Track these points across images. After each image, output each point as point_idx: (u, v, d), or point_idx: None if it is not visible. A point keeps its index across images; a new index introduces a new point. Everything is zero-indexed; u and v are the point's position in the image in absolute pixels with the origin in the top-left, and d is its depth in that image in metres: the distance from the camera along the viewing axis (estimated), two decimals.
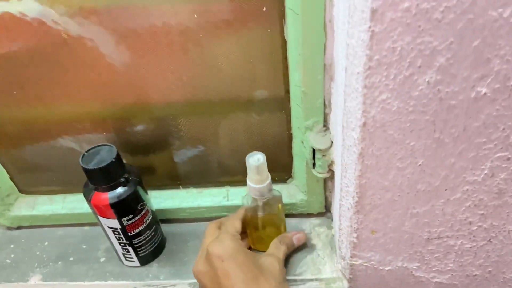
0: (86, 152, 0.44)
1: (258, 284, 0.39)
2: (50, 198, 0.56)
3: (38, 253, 0.54)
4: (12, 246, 0.56)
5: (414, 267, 0.44)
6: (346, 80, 0.34)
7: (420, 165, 0.35)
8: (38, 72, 0.46)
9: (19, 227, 0.58)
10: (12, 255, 0.54)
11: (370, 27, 0.28)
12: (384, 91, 0.32)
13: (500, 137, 0.33)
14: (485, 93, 0.30)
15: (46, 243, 0.55)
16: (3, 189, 0.54)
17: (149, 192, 0.49)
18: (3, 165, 0.53)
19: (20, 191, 0.57)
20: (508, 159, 0.34)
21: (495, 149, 0.33)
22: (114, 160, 0.43)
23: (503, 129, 0.32)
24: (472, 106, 0.31)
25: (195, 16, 0.40)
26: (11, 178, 0.55)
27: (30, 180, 0.56)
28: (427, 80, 0.30)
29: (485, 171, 0.35)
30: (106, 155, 0.43)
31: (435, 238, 0.41)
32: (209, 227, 0.47)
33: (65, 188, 0.56)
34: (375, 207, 0.39)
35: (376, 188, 0.38)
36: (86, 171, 0.43)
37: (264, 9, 0.40)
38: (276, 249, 0.47)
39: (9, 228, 0.58)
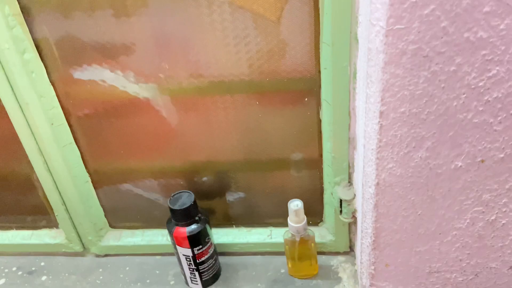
0: (172, 196, 0.59)
1: None
2: (132, 232, 0.72)
3: (121, 276, 0.69)
4: (100, 270, 0.71)
5: None
6: (364, 153, 0.48)
7: (419, 214, 0.49)
8: (133, 137, 0.63)
9: (106, 255, 0.73)
10: (101, 277, 0.69)
11: (379, 121, 0.43)
12: (390, 162, 0.46)
13: (475, 196, 0.46)
14: (461, 166, 0.44)
15: (127, 268, 0.70)
16: (98, 224, 0.70)
17: None
18: (101, 206, 0.70)
19: (110, 226, 0.73)
20: (483, 212, 0.47)
21: (473, 205, 0.47)
22: (192, 203, 0.58)
23: (477, 190, 0.46)
24: (453, 174, 0.45)
25: (257, 103, 0.57)
26: (105, 216, 0.71)
27: (118, 217, 0.72)
28: (419, 156, 0.45)
29: (467, 220, 0.48)
30: (186, 199, 0.59)
31: (435, 272, 0.53)
32: None
33: (145, 224, 0.72)
34: (388, 245, 0.52)
35: (388, 230, 0.51)
36: (172, 210, 0.58)
37: (306, 99, 0.56)
38: None
39: (97, 256, 0.73)
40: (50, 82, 0.59)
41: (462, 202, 0.47)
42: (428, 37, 0.38)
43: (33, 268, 0.72)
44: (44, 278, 0.71)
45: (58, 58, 0.57)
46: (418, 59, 0.39)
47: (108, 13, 0.52)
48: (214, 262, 0.64)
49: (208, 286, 0.65)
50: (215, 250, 0.64)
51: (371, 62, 0.42)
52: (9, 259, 0.75)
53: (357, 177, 0.56)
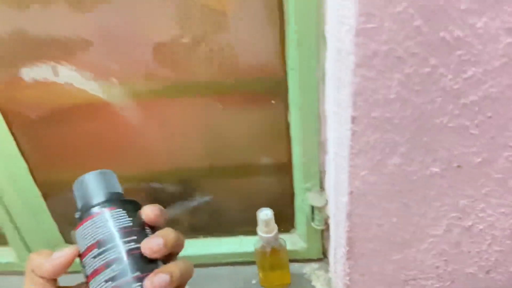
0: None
1: None
2: None
3: None
4: None
5: None
6: (336, 161, 0.45)
7: (394, 222, 0.46)
8: (88, 144, 0.58)
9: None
10: None
11: (351, 127, 0.40)
12: (364, 169, 0.43)
13: (451, 202, 0.44)
14: (436, 172, 0.42)
15: None
16: (52, 240, 0.64)
17: None
18: (54, 220, 0.64)
19: (66, 241, 0.67)
20: (459, 218, 0.45)
21: (449, 211, 0.45)
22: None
23: (453, 196, 0.43)
24: (428, 180, 0.43)
25: (220, 105, 0.53)
26: (59, 230, 0.65)
27: None
28: (393, 162, 0.42)
29: (444, 227, 0.46)
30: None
31: (411, 279, 0.51)
32: None
33: None
34: (362, 255, 0.50)
35: (362, 240, 0.48)
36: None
37: (273, 102, 0.52)
38: None
39: None
40: None
41: (438, 208, 0.44)
42: (401, 37, 0.35)
43: None
44: None
45: None
46: (390, 60, 0.36)
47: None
48: None
49: None
50: None
51: (341, 64, 0.38)
52: None
53: (329, 183, 0.53)
